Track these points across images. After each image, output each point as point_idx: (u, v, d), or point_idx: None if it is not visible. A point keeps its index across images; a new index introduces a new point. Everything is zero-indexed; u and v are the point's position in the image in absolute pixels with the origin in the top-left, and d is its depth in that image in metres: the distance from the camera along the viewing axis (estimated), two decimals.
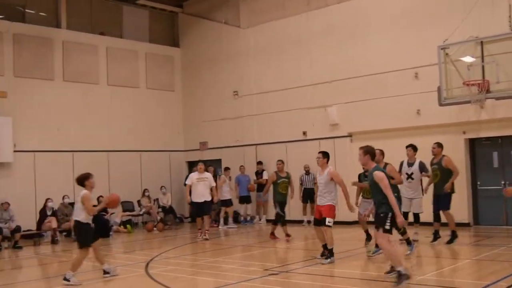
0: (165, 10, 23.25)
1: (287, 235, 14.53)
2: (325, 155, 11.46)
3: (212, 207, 16.97)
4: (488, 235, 13.99)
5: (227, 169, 19.79)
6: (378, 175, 8.57)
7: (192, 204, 16.03)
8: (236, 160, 20.70)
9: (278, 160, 15.19)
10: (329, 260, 10.87)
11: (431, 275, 9.39)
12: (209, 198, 15.77)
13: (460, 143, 15.83)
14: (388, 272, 9.17)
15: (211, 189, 15.85)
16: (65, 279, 9.78)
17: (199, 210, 15.85)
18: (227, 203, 19.21)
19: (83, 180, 10.16)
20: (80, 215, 9.99)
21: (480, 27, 14.76)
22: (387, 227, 8.46)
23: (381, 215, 8.51)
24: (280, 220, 14.53)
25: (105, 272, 10.26)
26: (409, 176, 12.92)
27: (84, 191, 10.02)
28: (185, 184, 16.34)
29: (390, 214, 8.47)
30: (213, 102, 21.98)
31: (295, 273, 10.20)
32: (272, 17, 20.29)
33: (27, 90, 18.53)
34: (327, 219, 10.98)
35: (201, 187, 15.64)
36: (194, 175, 15.91)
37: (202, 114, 22.29)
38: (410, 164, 12.99)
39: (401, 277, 8.17)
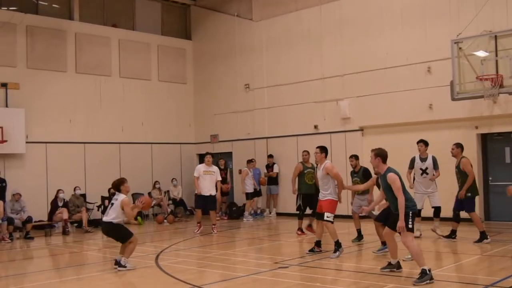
0: (177, 2, 23.24)
1: (300, 229, 14.48)
2: (323, 149, 11.46)
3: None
4: (499, 231, 13.90)
5: (250, 161, 19.68)
6: (391, 177, 8.58)
7: (198, 196, 15.90)
8: (247, 153, 20.70)
9: (304, 151, 14.80)
10: (337, 253, 10.89)
11: (442, 270, 9.36)
12: (214, 192, 15.69)
13: (472, 138, 15.73)
14: (384, 268, 9.31)
15: (216, 183, 15.77)
16: (120, 265, 10.21)
17: (203, 203, 15.77)
18: (249, 196, 19.26)
19: (118, 185, 10.64)
20: (117, 218, 10.33)
21: (494, 21, 14.67)
22: (410, 225, 8.49)
23: None
24: (300, 213, 14.19)
25: (118, 263, 10.27)
26: (424, 171, 12.87)
27: (123, 196, 10.45)
28: None
29: (410, 213, 8.47)
30: (224, 95, 21.97)
31: (304, 267, 10.20)
32: (284, 10, 20.22)
33: (39, 82, 18.62)
34: (326, 214, 11.01)
35: (207, 180, 15.57)
36: (201, 167, 15.81)
37: (214, 107, 22.29)
38: (423, 159, 12.93)
39: (425, 275, 8.18)
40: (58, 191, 17.20)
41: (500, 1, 14.81)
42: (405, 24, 17.04)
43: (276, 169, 19.70)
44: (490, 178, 15.89)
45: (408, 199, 8.59)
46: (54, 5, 20.09)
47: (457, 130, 15.76)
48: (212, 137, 22.37)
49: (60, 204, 17.12)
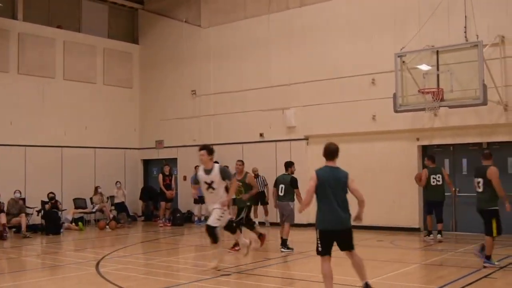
0: (125, 6, 22.98)
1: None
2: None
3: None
4: (438, 240, 14.24)
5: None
6: None
7: None
8: (192, 159, 20.55)
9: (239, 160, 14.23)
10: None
11: (381, 278, 9.51)
12: None
13: (413, 149, 16.12)
14: None
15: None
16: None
17: None
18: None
19: None
20: None
21: (436, 36, 15.07)
22: None
23: None
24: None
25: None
26: None
27: None
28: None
29: None
30: (170, 100, 21.83)
31: (247, 274, 10.21)
32: (233, 17, 20.28)
33: None
34: None
35: None
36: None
37: (159, 112, 22.11)
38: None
39: None
40: None
41: (442, 17, 15.25)
42: (351, 36, 17.34)
43: None
44: None
45: None
46: None
47: (399, 141, 16.13)
48: (157, 143, 22.18)
49: None
